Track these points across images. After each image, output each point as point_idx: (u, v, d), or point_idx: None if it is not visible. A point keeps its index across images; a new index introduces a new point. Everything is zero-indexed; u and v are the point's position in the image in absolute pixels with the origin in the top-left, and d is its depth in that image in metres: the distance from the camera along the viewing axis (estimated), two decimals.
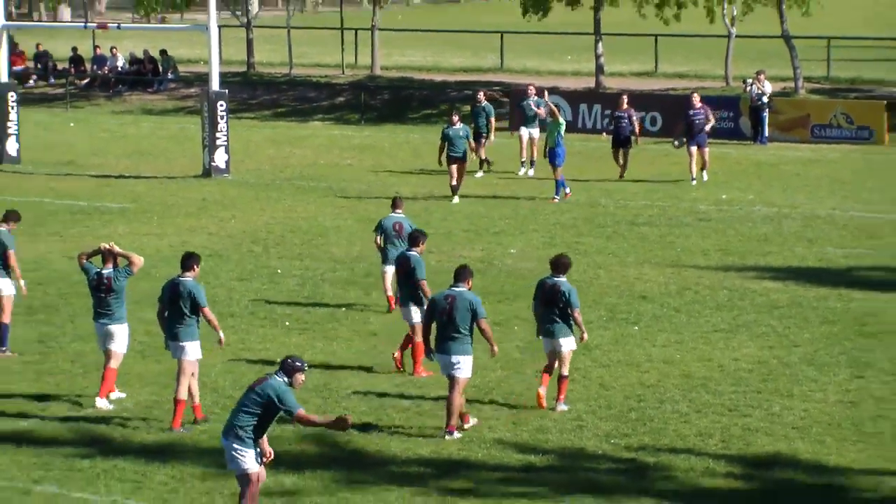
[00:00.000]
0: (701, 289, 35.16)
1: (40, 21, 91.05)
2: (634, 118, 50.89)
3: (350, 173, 53.10)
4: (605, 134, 51.73)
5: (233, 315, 32.75)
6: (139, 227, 37.37)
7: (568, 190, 46.40)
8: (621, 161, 49.91)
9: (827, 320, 32.26)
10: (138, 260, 27.10)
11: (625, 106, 50.90)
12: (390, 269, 32.21)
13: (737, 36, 67.71)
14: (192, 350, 25.63)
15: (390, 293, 33.24)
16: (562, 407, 26.35)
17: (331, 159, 56.77)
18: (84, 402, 27.17)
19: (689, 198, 47.01)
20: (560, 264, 26.70)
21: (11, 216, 31.16)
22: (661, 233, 41.93)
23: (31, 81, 76.86)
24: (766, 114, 59.64)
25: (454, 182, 46.17)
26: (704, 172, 49.01)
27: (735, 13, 66.86)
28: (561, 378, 26.40)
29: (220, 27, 56.46)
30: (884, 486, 22.73)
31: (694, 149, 48.56)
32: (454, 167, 46.09)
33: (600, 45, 68.53)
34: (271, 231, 42.40)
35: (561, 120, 48.09)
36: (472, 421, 25.46)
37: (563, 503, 21.82)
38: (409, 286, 28.47)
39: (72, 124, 68.20)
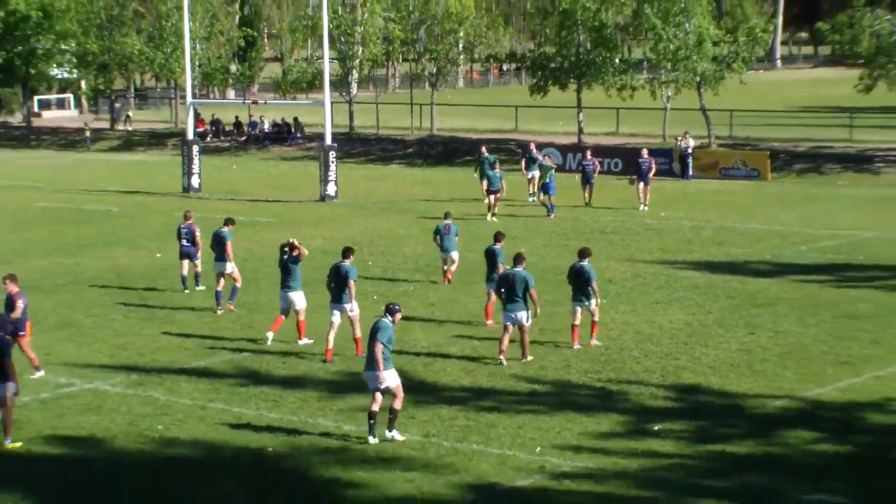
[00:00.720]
0: (647, 275, 35.06)
1: (214, 98, 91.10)
2: (596, 163, 50.91)
3: (416, 199, 53.04)
4: (577, 176, 51.41)
5: None
6: (279, 235, 37.34)
7: (555, 212, 46.46)
8: (587, 194, 49.42)
9: (731, 296, 32.23)
10: (304, 252, 27.87)
11: (589, 156, 50.89)
12: (444, 256, 34.14)
13: (670, 108, 67.48)
14: (353, 308, 26.32)
15: (446, 272, 34.37)
16: (595, 342, 27.09)
17: (403, 190, 56.66)
18: (243, 345, 27.52)
19: (640, 215, 46.82)
20: (583, 253, 27.34)
21: (231, 221, 32.17)
22: (621, 238, 41.79)
23: (208, 138, 77.14)
24: (689, 160, 59.42)
25: (490, 205, 46.33)
26: (646, 204, 48.33)
27: (669, 93, 66.64)
28: (593, 323, 27.15)
29: (331, 103, 56.63)
30: (767, 405, 22.94)
31: (641, 185, 48.36)
32: (491, 197, 46.22)
33: (581, 114, 68.37)
34: (364, 236, 42.39)
35: (552, 165, 48.58)
36: (529, 357, 25.97)
37: None
38: (491, 268, 28.64)
39: (234, 167, 68.40)
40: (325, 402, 23.27)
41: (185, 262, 33.25)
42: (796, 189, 55.60)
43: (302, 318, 27.62)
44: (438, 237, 34.03)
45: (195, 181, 56.98)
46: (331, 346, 26.24)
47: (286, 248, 27.71)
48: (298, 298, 27.49)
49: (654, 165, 50.27)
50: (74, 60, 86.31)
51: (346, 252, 26.76)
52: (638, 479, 19.26)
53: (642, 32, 66.82)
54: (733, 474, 19.38)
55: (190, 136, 59.17)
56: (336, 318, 26.30)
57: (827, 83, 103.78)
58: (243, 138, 78.65)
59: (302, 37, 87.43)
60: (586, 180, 49.58)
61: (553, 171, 47.97)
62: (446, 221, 34.04)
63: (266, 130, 78.65)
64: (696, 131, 63.85)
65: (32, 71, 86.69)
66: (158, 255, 39.17)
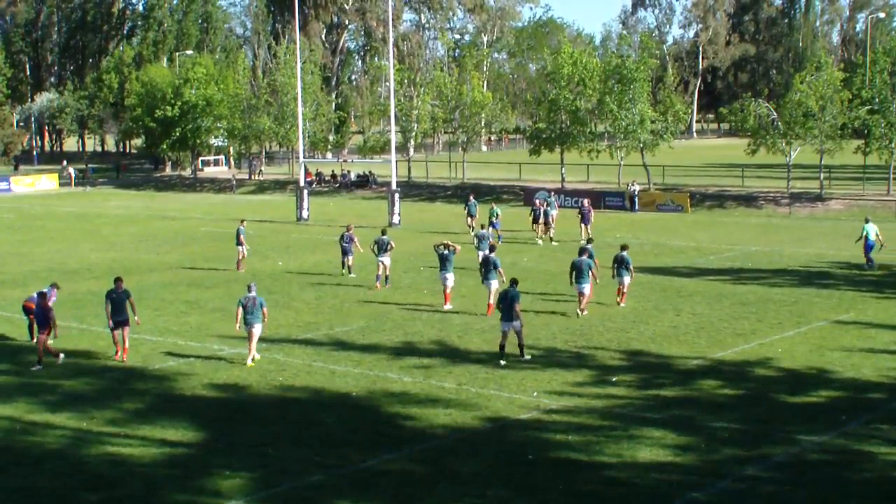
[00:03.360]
0: (608, 276, 33.99)
1: (318, 158, 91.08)
2: (556, 204, 48.22)
3: (453, 225, 52.67)
4: (532, 214, 46.91)
5: (422, 283, 32.85)
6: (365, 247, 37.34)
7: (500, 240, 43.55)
8: (543, 228, 45.45)
9: (663, 290, 31.82)
10: (458, 248, 28.81)
11: (537, 202, 46.92)
12: (480, 254, 33.25)
13: (623, 164, 67.06)
14: (496, 285, 26.91)
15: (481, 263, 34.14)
16: (623, 305, 28.07)
17: (445, 219, 56.40)
18: (335, 324, 27.11)
19: (602, 238, 46.14)
20: (624, 246, 28.59)
21: (385, 230, 33.02)
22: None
23: (314, 185, 77.02)
24: (636, 199, 59.06)
25: (539, 232, 44.59)
26: (586, 235, 43.72)
27: (622, 154, 66.27)
28: (622, 294, 28.36)
29: (396, 161, 56.65)
30: (687, 363, 22.64)
31: (586, 225, 45.24)
32: (539, 226, 44.52)
33: (563, 168, 68.01)
34: (418, 247, 42.19)
35: (494, 207, 45.30)
36: (585, 312, 27.15)
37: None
38: (580, 267, 27.36)
39: (331, 204, 67.89)
40: (391, 362, 23.07)
41: (344, 257, 34.91)
42: (707, 218, 55.18)
43: (449, 291, 28.26)
44: (476, 240, 34.96)
45: (305, 213, 56.76)
46: (492, 301, 26.80)
47: (441, 246, 28.58)
48: (450, 277, 28.26)
49: (591, 209, 46.38)
50: (226, 133, 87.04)
51: (492, 248, 27.88)
52: (601, 413, 19.05)
53: (604, 114, 66.49)
54: (665, 409, 19.15)
55: (301, 183, 59.35)
56: (491, 287, 27.13)
57: (726, 148, 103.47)
58: (337, 185, 78.54)
59: (376, 117, 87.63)
60: (546, 219, 46.09)
61: (494, 215, 43.87)
62: (482, 230, 35.13)
63: (352, 180, 78.48)
64: (640, 179, 63.69)
65: (198, 141, 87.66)
66: (280, 262, 39.16)
